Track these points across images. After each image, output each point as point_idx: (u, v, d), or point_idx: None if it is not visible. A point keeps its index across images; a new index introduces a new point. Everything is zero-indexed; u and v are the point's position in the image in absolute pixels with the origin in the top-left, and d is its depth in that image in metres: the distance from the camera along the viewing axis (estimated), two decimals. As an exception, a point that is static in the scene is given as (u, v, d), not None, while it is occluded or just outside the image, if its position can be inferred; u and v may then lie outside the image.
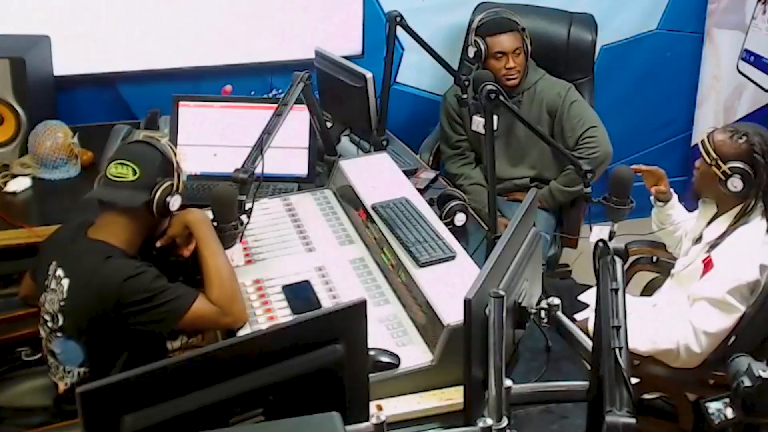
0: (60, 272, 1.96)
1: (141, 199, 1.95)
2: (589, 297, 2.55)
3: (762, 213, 2.32)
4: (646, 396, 2.43)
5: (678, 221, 2.64)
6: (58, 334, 1.97)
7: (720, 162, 2.30)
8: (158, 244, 2.06)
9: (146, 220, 2.00)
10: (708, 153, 2.33)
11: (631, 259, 2.81)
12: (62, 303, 1.95)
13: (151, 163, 1.98)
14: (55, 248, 2.04)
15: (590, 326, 1.98)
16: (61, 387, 2.00)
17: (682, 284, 2.42)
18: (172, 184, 1.99)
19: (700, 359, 2.27)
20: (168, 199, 1.97)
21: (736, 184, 2.29)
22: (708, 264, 2.32)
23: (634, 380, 2.34)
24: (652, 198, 2.67)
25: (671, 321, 2.31)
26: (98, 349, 1.95)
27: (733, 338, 2.27)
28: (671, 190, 2.66)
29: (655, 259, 2.74)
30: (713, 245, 2.33)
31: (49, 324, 1.98)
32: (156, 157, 2.00)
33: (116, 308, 1.87)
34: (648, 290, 2.75)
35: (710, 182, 2.36)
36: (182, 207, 2.06)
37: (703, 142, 2.36)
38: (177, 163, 2.02)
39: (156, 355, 2.03)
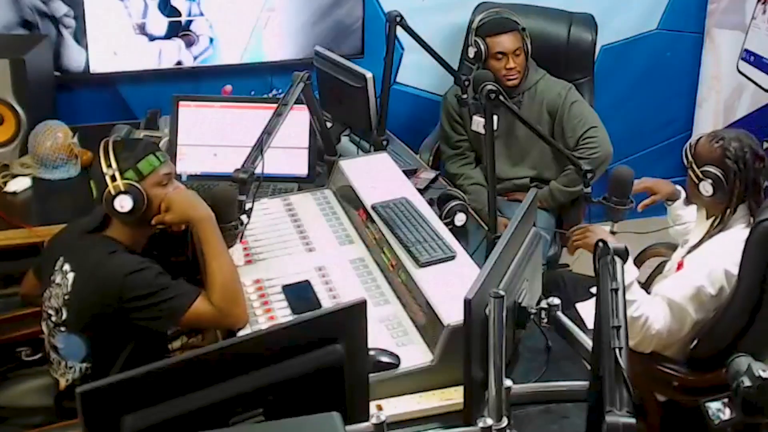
0: (66, 267, 1.98)
1: (100, 215, 1.98)
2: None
3: (746, 221, 2.29)
4: None
5: (687, 223, 2.63)
6: (62, 329, 1.98)
7: (694, 165, 2.30)
8: (153, 221, 2.00)
9: (133, 220, 1.97)
10: (687, 156, 2.34)
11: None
12: (66, 297, 1.96)
13: (96, 176, 1.97)
14: (62, 245, 2.05)
15: None
16: (62, 383, 2.01)
17: None
18: (108, 191, 1.92)
19: (646, 350, 2.29)
20: (115, 205, 1.92)
21: (707, 188, 2.27)
22: (679, 266, 2.34)
23: None
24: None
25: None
26: (100, 344, 1.95)
27: (695, 342, 2.28)
28: (679, 189, 2.65)
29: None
30: (690, 251, 2.34)
31: (53, 318, 1.99)
32: (97, 172, 1.96)
33: (118, 303, 1.88)
34: None
35: (690, 185, 2.36)
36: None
37: (686, 146, 2.37)
38: (104, 167, 1.93)
39: (157, 353, 2.04)
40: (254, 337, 1.37)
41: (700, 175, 2.28)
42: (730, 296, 2.20)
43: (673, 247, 2.74)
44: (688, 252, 2.35)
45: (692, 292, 2.22)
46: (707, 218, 2.39)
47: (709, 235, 2.32)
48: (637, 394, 2.30)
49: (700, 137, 2.37)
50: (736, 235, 2.25)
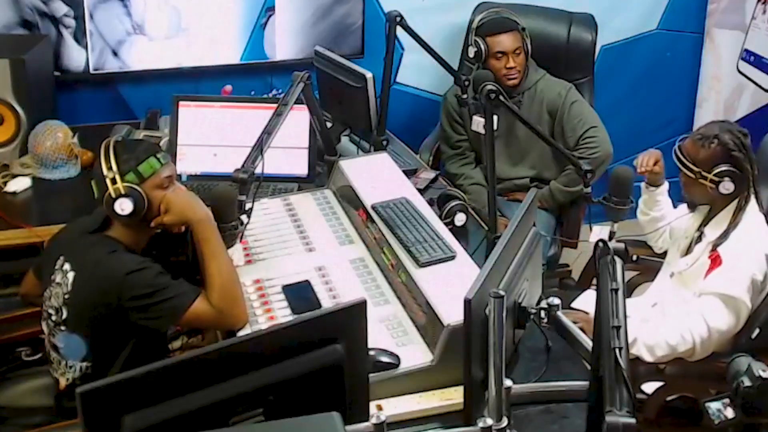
0: (67, 266, 1.98)
1: (101, 216, 1.99)
2: (582, 303, 2.55)
3: (754, 201, 2.34)
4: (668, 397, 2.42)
5: (663, 210, 2.64)
6: (62, 328, 1.98)
7: (704, 173, 2.32)
8: (152, 223, 2.00)
9: (134, 222, 1.97)
10: (687, 167, 2.34)
11: None
12: (66, 296, 1.96)
13: (96, 178, 1.96)
14: (62, 244, 2.05)
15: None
16: (63, 383, 2.01)
17: (687, 284, 2.42)
18: (109, 194, 1.92)
19: (709, 353, 2.29)
20: (115, 208, 1.92)
21: (728, 186, 2.30)
22: (716, 260, 2.32)
23: (658, 384, 2.35)
24: (642, 185, 2.65)
25: (680, 319, 2.31)
26: (100, 343, 1.95)
27: (757, 332, 2.28)
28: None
29: (635, 257, 2.74)
30: (718, 243, 2.34)
31: (53, 318, 2.00)
32: (98, 173, 1.95)
33: (117, 302, 1.88)
34: (627, 289, 2.74)
35: (701, 191, 2.38)
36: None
37: (677, 157, 2.37)
38: (105, 169, 1.93)
39: (157, 353, 2.04)
40: (254, 337, 1.37)
41: (716, 178, 2.30)
42: None
43: (638, 244, 2.73)
44: (716, 245, 2.35)
45: (747, 282, 2.25)
46: (714, 210, 2.41)
47: (735, 223, 2.34)
48: (689, 400, 2.33)
49: (683, 143, 2.38)
50: (756, 215, 2.33)
